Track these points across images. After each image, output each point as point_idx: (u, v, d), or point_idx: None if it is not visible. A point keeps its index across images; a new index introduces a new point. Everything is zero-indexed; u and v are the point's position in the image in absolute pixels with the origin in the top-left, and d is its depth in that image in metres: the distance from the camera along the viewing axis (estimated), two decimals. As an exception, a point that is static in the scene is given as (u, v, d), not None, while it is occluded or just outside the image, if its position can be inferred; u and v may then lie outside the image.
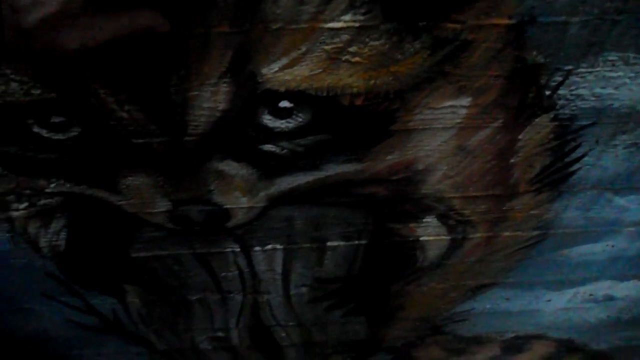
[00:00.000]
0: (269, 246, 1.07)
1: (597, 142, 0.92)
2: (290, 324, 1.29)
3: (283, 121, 0.83)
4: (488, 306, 1.29)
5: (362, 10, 0.72)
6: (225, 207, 0.96)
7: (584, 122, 0.89)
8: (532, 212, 1.04)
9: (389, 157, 0.91)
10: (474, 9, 0.73)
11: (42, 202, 0.95)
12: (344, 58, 0.76)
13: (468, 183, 0.97)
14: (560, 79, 0.82)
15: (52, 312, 1.19)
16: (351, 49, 0.75)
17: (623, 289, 1.27)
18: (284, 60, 0.76)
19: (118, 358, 1.35)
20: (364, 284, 1.18)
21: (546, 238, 1.11)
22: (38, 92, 0.77)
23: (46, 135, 0.83)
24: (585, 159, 0.95)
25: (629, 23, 0.75)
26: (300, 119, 0.83)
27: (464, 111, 0.85)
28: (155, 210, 0.96)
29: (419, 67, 0.78)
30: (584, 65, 0.80)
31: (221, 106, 0.80)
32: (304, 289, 1.18)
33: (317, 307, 1.24)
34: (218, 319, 1.26)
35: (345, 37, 0.74)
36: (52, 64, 0.74)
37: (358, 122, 0.84)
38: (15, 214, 0.96)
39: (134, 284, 1.14)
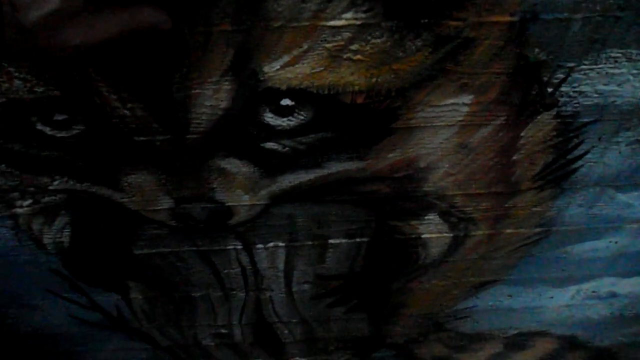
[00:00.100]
0: (271, 244, 1.07)
1: (599, 139, 0.92)
2: (293, 320, 1.29)
3: (285, 119, 0.83)
4: (490, 303, 1.29)
5: (364, 8, 0.71)
6: (227, 204, 0.96)
7: (587, 119, 0.89)
8: (534, 209, 1.04)
9: (391, 154, 0.91)
10: (475, 6, 0.72)
11: (46, 199, 0.95)
12: (345, 56, 0.76)
13: (470, 180, 0.97)
14: (562, 76, 0.82)
15: (56, 308, 1.20)
16: (353, 47, 0.75)
17: (626, 286, 1.27)
18: (286, 59, 0.76)
19: (121, 354, 1.36)
20: (366, 281, 1.18)
21: (549, 235, 1.11)
22: (41, 89, 0.78)
23: (49, 132, 0.84)
24: (588, 156, 0.95)
25: (631, 20, 0.75)
26: (302, 117, 0.83)
27: (465, 109, 0.85)
28: (158, 208, 0.96)
29: (420, 64, 0.78)
30: (586, 62, 0.80)
31: (223, 104, 0.81)
32: (306, 286, 1.19)
33: (320, 303, 1.24)
34: (221, 316, 1.26)
35: (346, 35, 0.74)
36: (54, 62, 0.74)
37: (360, 120, 0.84)
38: (19, 210, 0.97)
39: (137, 281, 1.15)
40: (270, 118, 0.83)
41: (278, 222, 1.02)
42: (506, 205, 1.03)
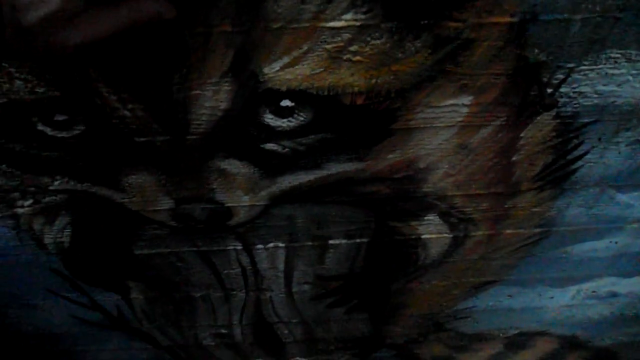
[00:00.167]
0: (271, 244, 1.07)
1: (599, 139, 0.92)
2: (293, 320, 1.29)
3: (284, 120, 0.83)
4: (490, 303, 1.29)
5: (363, 9, 0.71)
6: (227, 205, 0.96)
7: (587, 120, 0.89)
8: (534, 209, 1.04)
9: (391, 155, 0.91)
10: (475, 7, 0.72)
11: (47, 199, 0.96)
12: (345, 57, 0.76)
13: (470, 181, 0.97)
14: (562, 76, 0.82)
15: (56, 307, 1.20)
16: (352, 48, 0.75)
17: (626, 286, 1.27)
18: (285, 60, 0.76)
19: (122, 354, 1.36)
20: (366, 281, 1.19)
21: (549, 235, 1.11)
22: (42, 90, 0.78)
23: (50, 133, 0.84)
24: (588, 156, 0.95)
25: (631, 20, 0.75)
26: (302, 118, 0.83)
27: (465, 110, 0.85)
28: (158, 208, 0.97)
29: (420, 65, 0.78)
30: (586, 62, 0.80)
31: (223, 105, 0.81)
32: (306, 287, 1.19)
33: (320, 304, 1.25)
34: (221, 316, 1.27)
35: (346, 36, 0.74)
36: (54, 62, 0.74)
37: (359, 121, 0.84)
38: (20, 210, 0.97)
39: (137, 281, 1.15)
40: (270, 119, 0.83)
41: (278, 222, 1.02)
42: (506, 206, 1.03)
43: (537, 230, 1.09)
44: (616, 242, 1.14)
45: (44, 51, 0.72)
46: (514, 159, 0.94)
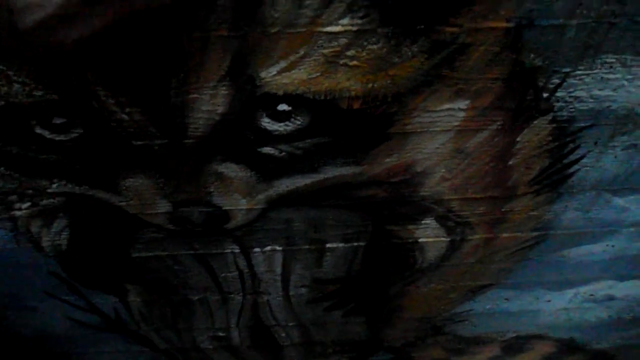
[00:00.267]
0: (269, 247, 1.07)
1: (595, 143, 0.92)
2: (291, 324, 1.29)
3: (281, 124, 0.84)
4: (488, 307, 1.29)
5: (360, 14, 0.72)
6: (224, 208, 0.96)
7: (583, 124, 0.89)
8: (531, 213, 1.04)
9: (387, 159, 0.91)
10: (471, 13, 0.73)
11: (45, 202, 0.96)
12: (341, 62, 0.76)
13: (466, 185, 0.97)
14: (558, 81, 0.82)
15: (54, 310, 1.20)
16: (349, 53, 0.76)
17: (623, 289, 1.27)
18: (282, 64, 0.76)
19: (120, 357, 1.36)
20: (363, 285, 1.19)
21: (546, 239, 1.11)
22: (40, 93, 0.78)
23: (48, 136, 0.84)
24: (584, 160, 0.95)
25: (626, 26, 0.75)
26: (299, 122, 0.84)
27: (461, 114, 0.85)
28: (156, 212, 0.97)
29: (416, 70, 0.78)
30: (581, 67, 0.80)
31: (220, 109, 0.81)
32: (303, 290, 1.19)
33: (317, 307, 1.25)
34: (219, 319, 1.27)
35: (343, 40, 0.74)
36: (53, 63, 0.75)
37: (356, 125, 0.85)
38: (17, 213, 0.97)
39: (135, 284, 1.15)
40: (267, 123, 0.84)
41: (275, 226, 1.02)
42: (503, 210, 1.03)
43: (534, 233, 1.09)
44: (613, 246, 1.14)
45: (40, 52, 0.72)
46: (510, 163, 0.94)
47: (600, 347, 1.47)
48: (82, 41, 0.71)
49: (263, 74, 0.77)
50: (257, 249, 1.08)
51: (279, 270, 1.13)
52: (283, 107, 0.81)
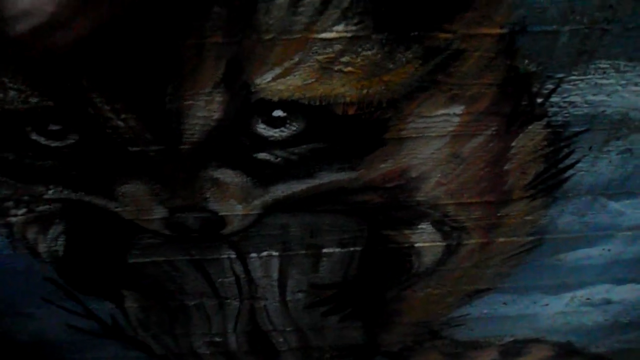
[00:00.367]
0: (265, 253, 1.07)
1: (590, 148, 0.93)
2: (288, 329, 1.29)
3: (277, 130, 0.84)
4: (485, 311, 1.30)
5: (354, 21, 0.72)
6: (220, 214, 0.96)
7: (577, 129, 0.89)
8: (527, 217, 1.04)
9: (383, 165, 0.91)
10: (465, 19, 0.73)
11: (41, 208, 0.96)
12: (336, 68, 0.77)
13: (462, 190, 0.97)
14: (552, 86, 0.83)
15: (51, 316, 1.20)
16: (343, 59, 0.76)
17: (620, 293, 1.27)
18: (277, 70, 0.76)
19: (116, 363, 1.36)
20: (360, 289, 1.19)
21: (542, 243, 1.11)
22: (36, 100, 0.78)
23: (44, 142, 0.84)
24: (579, 165, 0.95)
25: (618, 32, 0.75)
26: (294, 128, 0.84)
27: (456, 119, 0.85)
28: (152, 217, 0.97)
29: (411, 76, 0.79)
30: (575, 73, 0.81)
31: (215, 115, 0.81)
32: (300, 295, 1.19)
33: (314, 312, 1.25)
34: (216, 324, 1.26)
35: (337, 47, 0.75)
36: (47, 71, 0.75)
37: (351, 131, 0.85)
38: (13, 219, 0.97)
39: (131, 290, 1.15)
40: (262, 129, 0.84)
41: (271, 231, 1.02)
42: (499, 214, 1.03)
43: (530, 238, 1.09)
44: (609, 250, 1.14)
45: (36, 58, 0.72)
46: (505, 167, 0.94)
47: (598, 350, 1.47)
48: (75, 47, 0.71)
49: (258, 80, 0.77)
50: (253, 255, 1.08)
51: (275, 275, 1.13)
52: (278, 113, 0.82)
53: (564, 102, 0.85)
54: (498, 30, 0.75)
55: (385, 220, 1.02)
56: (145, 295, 1.17)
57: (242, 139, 0.85)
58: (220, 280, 1.13)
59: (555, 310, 1.31)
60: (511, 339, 1.42)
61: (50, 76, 0.75)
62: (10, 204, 0.95)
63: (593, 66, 0.80)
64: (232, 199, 0.94)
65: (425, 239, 1.06)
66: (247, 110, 0.81)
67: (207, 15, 0.70)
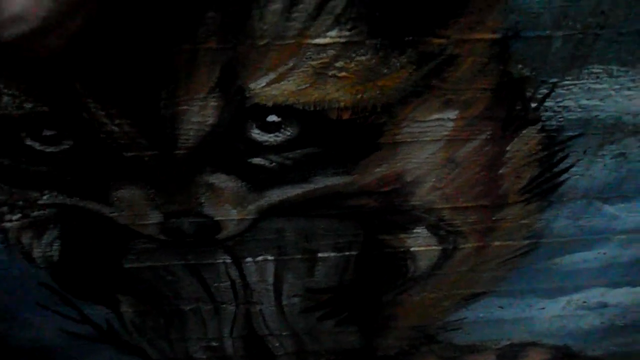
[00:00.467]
0: (260, 257, 1.07)
1: (584, 152, 0.93)
2: (284, 333, 1.29)
3: (271, 135, 0.84)
4: (481, 315, 1.30)
5: (348, 26, 0.72)
6: (215, 219, 0.96)
7: (571, 133, 0.90)
8: (522, 221, 1.05)
9: (378, 169, 0.91)
10: (458, 24, 0.73)
11: (35, 213, 0.95)
12: (330, 73, 0.77)
13: (457, 194, 0.97)
14: (546, 91, 0.83)
15: (46, 321, 1.20)
16: (338, 64, 0.76)
17: (616, 296, 1.28)
18: (271, 76, 0.76)
19: (112, 368, 1.36)
20: (355, 294, 1.19)
21: (537, 247, 1.11)
22: (30, 105, 0.78)
23: (38, 148, 0.84)
24: (574, 169, 0.96)
25: (611, 37, 0.76)
26: (289, 133, 0.84)
27: (451, 124, 0.86)
28: (147, 222, 0.97)
29: (405, 81, 0.79)
30: (568, 77, 0.81)
31: (210, 120, 0.81)
32: (296, 299, 1.19)
33: (310, 316, 1.24)
34: (211, 329, 1.26)
35: (331, 52, 0.75)
36: (41, 77, 0.75)
37: (346, 136, 0.85)
38: (8, 224, 0.97)
39: (127, 294, 1.15)
40: (256, 134, 0.84)
41: (267, 236, 1.02)
42: (494, 218, 1.03)
43: (526, 242, 1.10)
44: (604, 253, 1.14)
45: (28, 63, 0.72)
46: (500, 172, 0.95)
47: (595, 354, 1.47)
48: (69, 52, 0.71)
49: (252, 86, 0.77)
50: (249, 259, 1.08)
51: (271, 280, 1.13)
52: (273, 118, 0.82)
53: (558, 106, 0.85)
54: (492, 36, 0.75)
55: (380, 225, 1.02)
56: (141, 300, 1.16)
57: (237, 144, 0.85)
58: (215, 284, 1.13)
59: (552, 314, 1.31)
60: (508, 343, 1.42)
61: (45, 82, 0.75)
62: (5, 209, 0.94)
63: (586, 71, 0.80)
64: (227, 203, 0.94)
65: (421, 243, 1.07)
66: (241, 115, 0.81)
67: (202, 20, 0.70)
